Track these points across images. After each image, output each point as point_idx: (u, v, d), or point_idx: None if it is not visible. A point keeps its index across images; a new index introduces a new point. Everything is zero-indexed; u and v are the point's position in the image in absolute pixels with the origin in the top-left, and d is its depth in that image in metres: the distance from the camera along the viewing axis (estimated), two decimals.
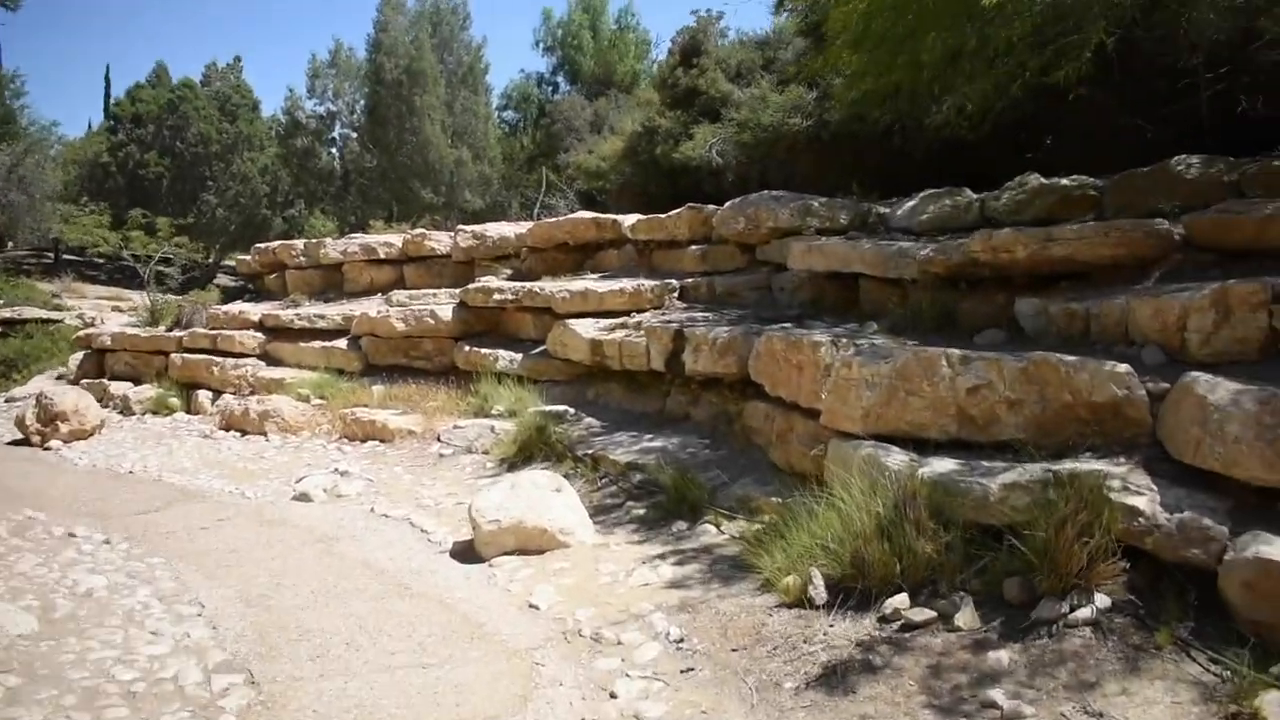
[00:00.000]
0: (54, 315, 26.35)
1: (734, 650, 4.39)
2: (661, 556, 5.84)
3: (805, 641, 4.30)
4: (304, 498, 8.08)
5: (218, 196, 35.37)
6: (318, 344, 12.50)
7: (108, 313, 27.22)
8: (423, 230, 15.33)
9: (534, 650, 4.65)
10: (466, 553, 6.28)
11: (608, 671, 4.35)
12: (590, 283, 10.58)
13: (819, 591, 4.56)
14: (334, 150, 37.04)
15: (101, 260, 37.36)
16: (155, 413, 12.99)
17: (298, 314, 13.02)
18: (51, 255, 37.90)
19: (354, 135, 35.79)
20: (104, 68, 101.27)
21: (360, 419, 10.37)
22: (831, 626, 4.37)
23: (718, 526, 6.13)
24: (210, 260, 36.70)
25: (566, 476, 7.16)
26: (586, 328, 9.63)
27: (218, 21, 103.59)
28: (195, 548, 6.72)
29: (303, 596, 5.58)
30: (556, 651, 4.63)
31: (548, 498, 6.32)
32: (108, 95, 44.66)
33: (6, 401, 15.06)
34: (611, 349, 9.21)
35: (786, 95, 13.16)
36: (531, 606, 5.24)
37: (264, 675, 4.43)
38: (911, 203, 8.59)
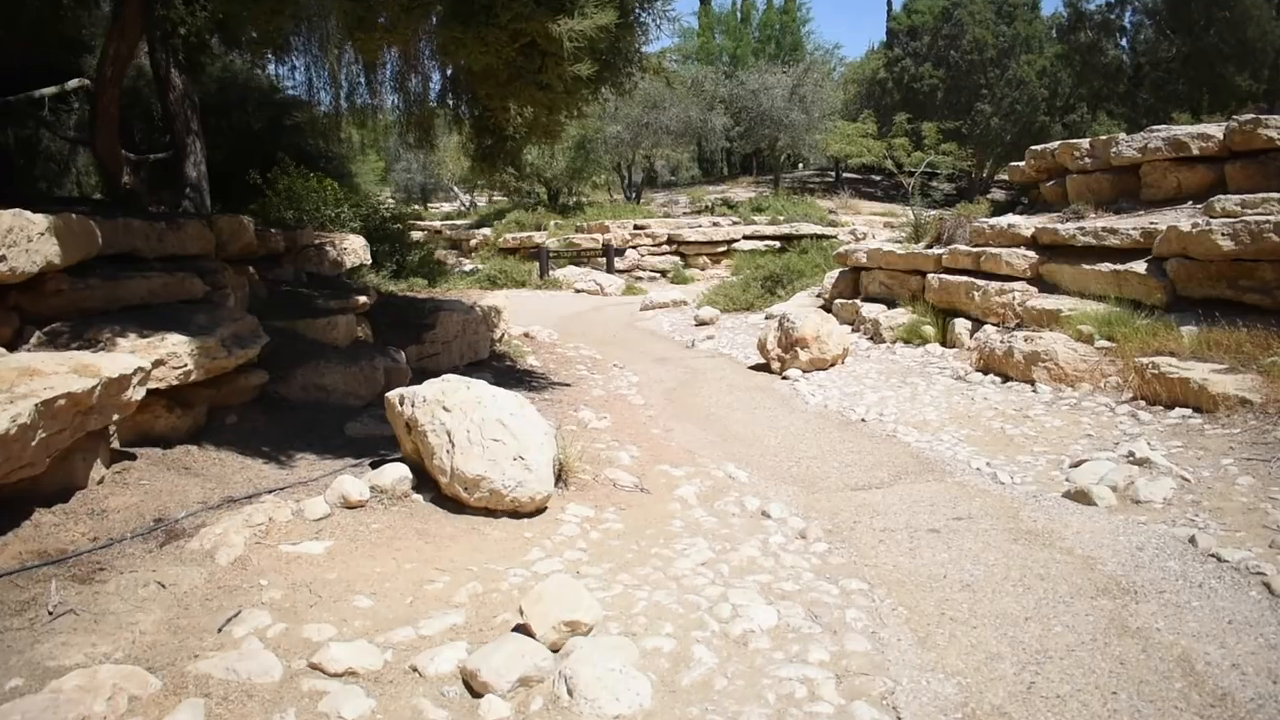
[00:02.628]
0: (827, 231, 26.77)
1: None
2: None
3: None
4: (1080, 497, 5.50)
5: (992, 105, 33.10)
6: (1105, 266, 9.60)
7: (878, 229, 26.96)
8: (1253, 116, 11.35)
9: None
10: None
11: None
12: None
13: None
14: (1123, 42, 32.42)
15: (878, 178, 37.80)
16: (906, 341, 11.31)
17: (1080, 228, 10.21)
18: (833, 174, 39.39)
19: (1148, 21, 30.74)
20: None
21: (1164, 374, 7.39)
22: None
23: None
24: (984, 174, 34.85)
25: None
26: None
27: None
28: (914, 568, 4.58)
29: None
30: None
31: None
32: (889, 13, 44.87)
33: (766, 319, 14.70)
34: None
35: None
36: None
37: None
38: None
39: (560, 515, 5.37)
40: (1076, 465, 6.08)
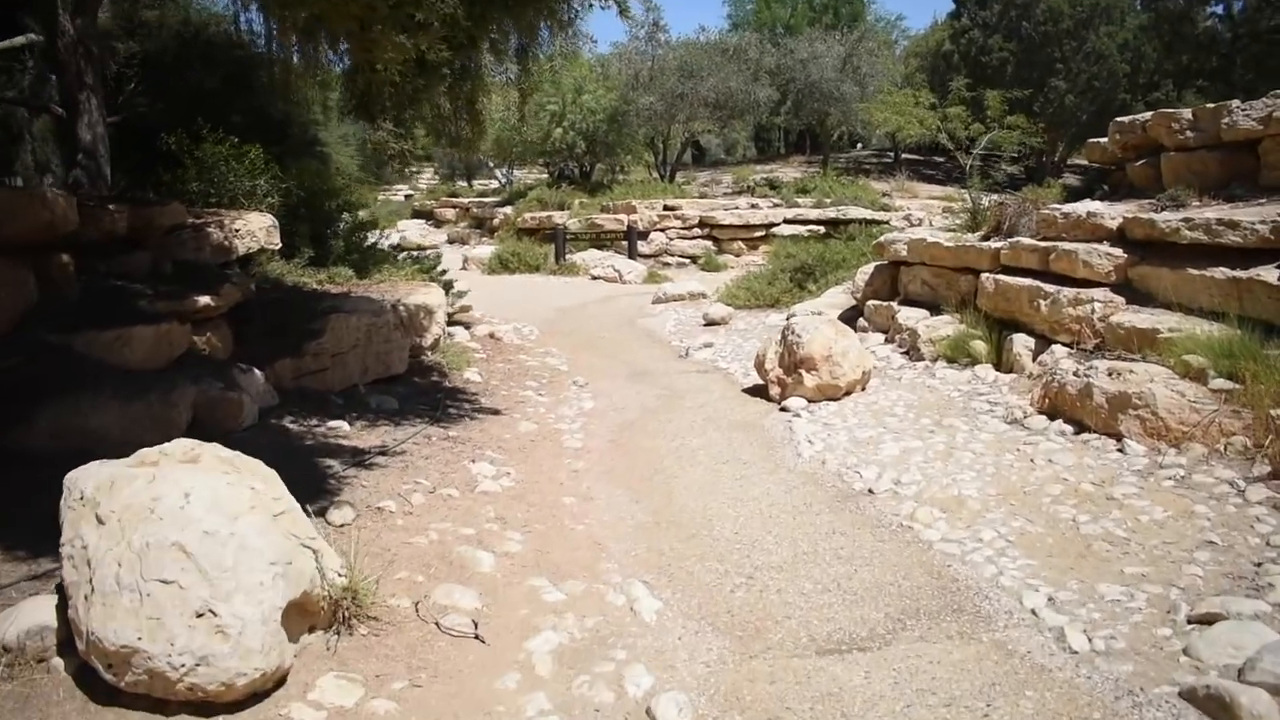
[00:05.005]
0: (878, 216, 24.08)
1: None
2: None
3: None
4: (1215, 708, 3.05)
5: (1068, 81, 29.95)
6: (1220, 272, 7.04)
7: (936, 214, 24.20)
8: None
9: None
10: None
11: None
12: None
13: None
14: (1218, 9, 29.14)
15: (940, 159, 34.81)
16: (950, 360, 8.81)
17: (1186, 219, 7.62)
18: (892, 154, 36.53)
19: None
20: None
21: None
22: None
23: None
24: (1055, 158, 31.75)
25: None
26: None
27: None
28: None
29: None
30: None
31: None
32: None
33: (788, 320, 12.25)
34: None
35: None
36: None
37: None
38: None
39: (289, 709, 3.09)
40: (1201, 622, 3.63)
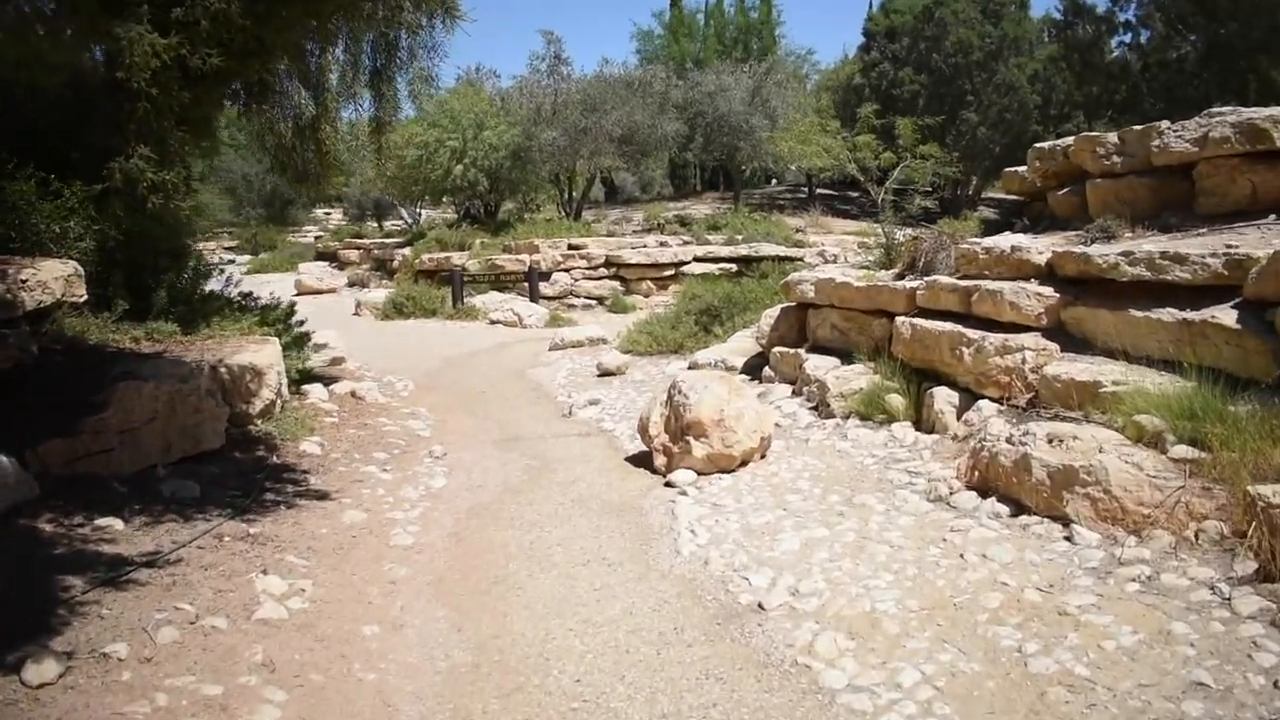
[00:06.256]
0: (792, 253, 23.30)
1: None
2: None
3: None
4: None
5: (979, 114, 29.67)
6: (1166, 313, 6.05)
7: (851, 250, 23.48)
8: None
9: None
10: None
11: None
12: None
13: None
14: (1125, 38, 29.12)
15: (855, 195, 34.34)
16: (863, 417, 7.72)
17: (1124, 253, 6.61)
18: (806, 190, 36.01)
19: (1157, 15, 27.38)
20: None
21: None
22: None
23: None
24: (970, 191, 31.40)
25: None
26: None
27: None
28: None
29: None
30: None
31: None
32: (868, 14, 41.55)
33: (690, 369, 11.10)
34: None
35: None
36: None
37: None
38: None
39: None
40: None
